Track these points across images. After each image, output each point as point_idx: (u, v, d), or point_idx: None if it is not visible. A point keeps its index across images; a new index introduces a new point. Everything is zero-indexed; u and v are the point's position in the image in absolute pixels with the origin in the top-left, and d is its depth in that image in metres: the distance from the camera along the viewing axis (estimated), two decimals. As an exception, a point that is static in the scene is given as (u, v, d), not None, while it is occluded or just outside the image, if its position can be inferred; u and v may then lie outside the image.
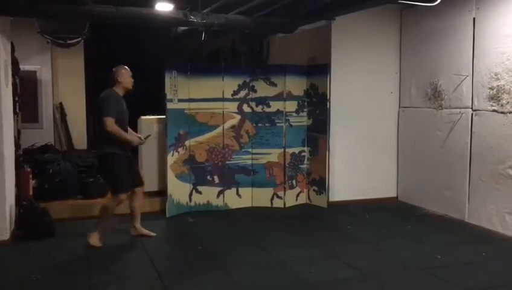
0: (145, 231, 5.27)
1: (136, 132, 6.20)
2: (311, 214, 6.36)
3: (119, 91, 4.94)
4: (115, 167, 4.88)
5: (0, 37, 4.96)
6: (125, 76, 4.96)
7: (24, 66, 6.96)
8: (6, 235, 4.98)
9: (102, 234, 4.94)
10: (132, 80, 5.03)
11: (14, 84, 5.80)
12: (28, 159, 6.24)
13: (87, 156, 6.98)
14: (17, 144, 5.95)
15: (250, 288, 3.97)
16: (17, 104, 6.12)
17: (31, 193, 5.78)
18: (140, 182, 5.22)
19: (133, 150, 5.24)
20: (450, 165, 6.02)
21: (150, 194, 6.31)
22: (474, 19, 5.66)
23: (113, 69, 4.98)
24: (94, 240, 4.88)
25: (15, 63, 6.00)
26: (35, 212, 5.28)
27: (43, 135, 7.78)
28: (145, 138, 5.26)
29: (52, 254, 4.75)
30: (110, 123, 4.74)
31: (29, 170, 5.84)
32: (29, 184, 5.79)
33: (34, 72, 7.95)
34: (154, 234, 5.28)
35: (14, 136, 5.72)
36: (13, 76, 5.75)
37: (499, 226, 5.40)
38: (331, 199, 6.62)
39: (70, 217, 5.84)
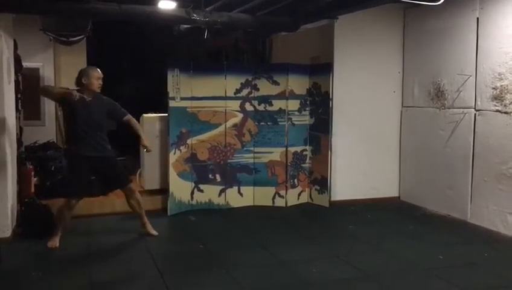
0: (151, 230, 5.26)
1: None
2: (312, 213, 6.36)
3: (85, 92, 4.82)
4: (69, 169, 4.91)
5: (3, 34, 4.95)
6: (91, 78, 4.84)
7: (27, 63, 6.95)
8: (7, 233, 4.98)
9: (61, 236, 4.91)
10: (100, 83, 4.89)
11: (16, 82, 5.80)
12: (30, 157, 6.23)
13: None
14: (19, 141, 5.95)
15: (251, 287, 3.96)
16: (20, 101, 6.12)
17: (32, 190, 5.77)
18: (118, 185, 5.11)
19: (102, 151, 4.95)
20: (452, 165, 6.01)
21: (151, 192, 6.31)
22: (477, 18, 5.64)
23: (80, 69, 4.94)
24: (54, 242, 4.85)
25: (18, 60, 6.00)
26: (37, 210, 5.28)
27: (45, 132, 7.76)
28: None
29: (53, 251, 4.75)
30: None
31: (31, 167, 5.84)
32: (31, 181, 5.78)
33: (37, 70, 7.93)
34: (156, 233, 5.27)
35: (16, 133, 5.72)
36: (16, 73, 5.75)
37: (501, 227, 5.38)
38: (332, 199, 6.62)
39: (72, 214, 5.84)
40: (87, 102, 4.84)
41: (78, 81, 4.86)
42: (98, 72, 4.90)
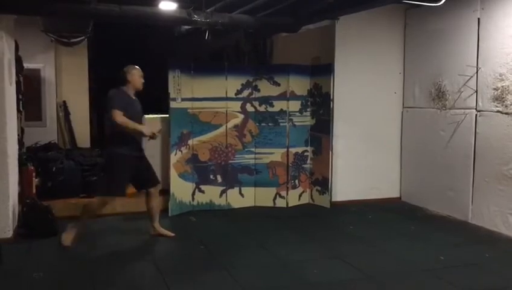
0: (164, 231, 5.27)
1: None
2: (313, 214, 6.36)
3: (128, 90, 4.90)
4: (116, 168, 4.85)
5: (4, 35, 4.96)
6: (135, 76, 4.91)
7: (28, 65, 6.97)
8: (9, 233, 4.99)
9: (78, 235, 4.86)
10: (142, 80, 4.97)
11: (18, 83, 5.82)
12: (32, 158, 6.24)
13: (90, 154, 6.98)
14: (20, 142, 5.96)
15: (251, 287, 3.97)
16: (21, 102, 6.14)
17: (34, 191, 5.78)
18: (153, 183, 5.14)
19: (141, 150, 5.08)
20: (453, 165, 6.00)
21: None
22: (478, 19, 5.64)
23: (124, 68, 4.95)
24: (67, 239, 4.81)
25: (19, 62, 6.02)
26: (38, 211, 5.28)
27: (46, 133, 7.78)
28: (158, 132, 5.22)
29: (54, 252, 4.76)
30: (118, 114, 4.62)
31: (32, 168, 5.84)
32: (33, 182, 5.79)
33: (38, 71, 7.95)
34: (173, 234, 5.27)
35: (18, 135, 5.73)
36: (17, 74, 5.76)
37: (502, 228, 5.38)
38: (333, 199, 6.62)
39: (73, 215, 5.80)
40: (133, 100, 4.93)
41: (123, 79, 4.87)
42: (140, 70, 4.97)
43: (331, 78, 6.39)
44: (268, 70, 6.67)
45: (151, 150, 6.32)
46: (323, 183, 6.57)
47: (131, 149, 4.87)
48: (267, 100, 6.58)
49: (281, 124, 6.59)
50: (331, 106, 6.42)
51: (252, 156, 6.61)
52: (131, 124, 4.73)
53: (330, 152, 6.47)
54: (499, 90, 5.39)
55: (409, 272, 4.33)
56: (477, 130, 5.69)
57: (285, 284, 4.06)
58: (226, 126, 6.46)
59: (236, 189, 6.55)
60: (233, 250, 4.89)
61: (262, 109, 6.59)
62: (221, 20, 6.07)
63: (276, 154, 6.62)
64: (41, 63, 8.01)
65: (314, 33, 6.98)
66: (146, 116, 6.40)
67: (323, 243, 5.11)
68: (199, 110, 6.30)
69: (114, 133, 4.81)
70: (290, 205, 6.63)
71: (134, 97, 4.96)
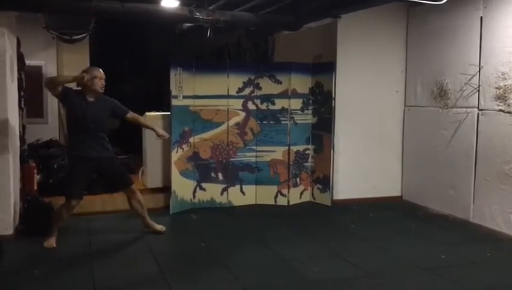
0: (156, 226, 5.28)
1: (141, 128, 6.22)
2: (314, 212, 6.35)
3: (88, 92, 4.80)
4: (70, 170, 4.86)
5: (6, 32, 4.96)
6: (94, 78, 4.77)
7: (30, 61, 6.97)
8: (10, 230, 4.99)
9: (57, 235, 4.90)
10: (102, 83, 4.83)
11: (19, 80, 5.81)
12: (33, 154, 6.24)
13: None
14: (22, 139, 5.96)
15: (252, 285, 3.97)
16: (23, 99, 6.14)
17: (35, 188, 5.78)
18: (122, 185, 5.10)
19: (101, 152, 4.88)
20: (455, 164, 5.99)
21: (154, 191, 6.33)
22: (481, 18, 5.62)
23: (83, 70, 4.85)
24: (51, 242, 4.81)
25: (21, 58, 6.01)
26: (40, 207, 5.29)
27: (48, 130, 7.79)
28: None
29: (55, 249, 4.76)
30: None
31: (33, 165, 5.85)
32: (34, 179, 5.80)
33: (40, 68, 7.95)
34: (164, 229, 5.29)
35: (19, 131, 5.73)
36: (19, 71, 5.76)
37: (504, 227, 5.37)
38: (335, 197, 6.61)
39: (74, 212, 5.83)
40: (90, 102, 4.83)
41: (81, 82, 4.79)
42: (100, 72, 4.84)
43: (333, 77, 6.38)
44: (270, 69, 6.66)
45: (152, 148, 6.35)
46: (324, 182, 6.57)
47: (87, 150, 4.78)
48: (268, 98, 6.57)
49: (283, 122, 6.59)
50: (333, 104, 6.41)
51: (253, 154, 6.61)
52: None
53: (331, 150, 6.46)
54: (501, 89, 5.38)
55: (410, 271, 4.33)
56: (479, 129, 5.67)
57: (285, 282, 4.06)
58: (228, 124, 6.45)
59: (238, 187, 6.55)
60: (234, 248, 4.89)
61: (263, 107, 6.58)
62: (223, 18, 6.08)
63: (277, 153, 6.62)
64: (43, 60, 8.01)
65: (315, 31, 6.97)
66: (148, 113, 6.42)
67: (324, 241, 5.11)
68: (201, 108, 6.30)
69: (68, 134, 4.80)
70: (291, 203, 6.63)
71: (91, 100, 4.82)
